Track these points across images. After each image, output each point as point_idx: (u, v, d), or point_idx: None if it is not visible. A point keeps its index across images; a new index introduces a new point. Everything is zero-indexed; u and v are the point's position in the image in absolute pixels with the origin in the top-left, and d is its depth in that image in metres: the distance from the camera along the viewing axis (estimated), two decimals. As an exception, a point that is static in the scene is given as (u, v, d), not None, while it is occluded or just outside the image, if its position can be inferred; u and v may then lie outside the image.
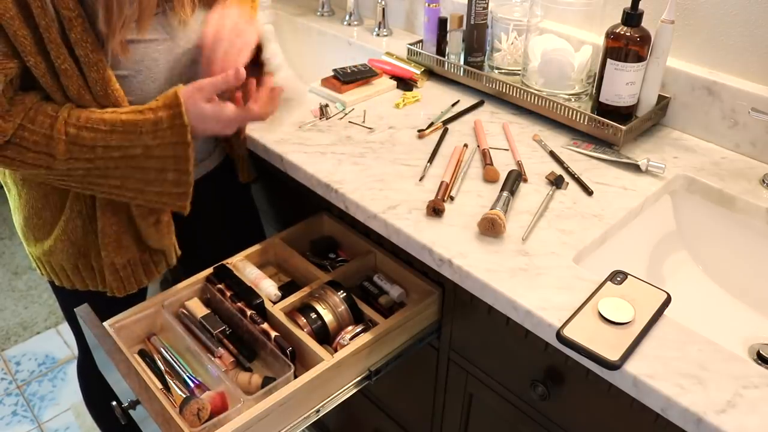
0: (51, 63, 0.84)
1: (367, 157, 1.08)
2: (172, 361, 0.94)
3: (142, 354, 0.95)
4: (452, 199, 0.98)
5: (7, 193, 1.06)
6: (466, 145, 1.11)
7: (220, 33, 0.93)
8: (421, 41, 1.38)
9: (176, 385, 0.90)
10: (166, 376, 0.91)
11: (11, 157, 0.86)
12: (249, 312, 0.95)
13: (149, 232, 1.00)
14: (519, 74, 1.24)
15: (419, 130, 1.15)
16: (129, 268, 1.03)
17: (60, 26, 0.82)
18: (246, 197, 1.28)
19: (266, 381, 0.88)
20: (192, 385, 0.90)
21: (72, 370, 1.96)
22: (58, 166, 0.87)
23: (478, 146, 1.11)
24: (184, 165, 0.91)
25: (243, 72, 0.88)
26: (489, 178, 1.02)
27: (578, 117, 1.13)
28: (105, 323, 0.94)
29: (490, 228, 0.89)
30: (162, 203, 0.94)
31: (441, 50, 1.33)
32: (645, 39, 1.04)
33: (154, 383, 0.87)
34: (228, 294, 0.99)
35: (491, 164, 1.03)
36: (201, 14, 0.98)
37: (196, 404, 0.81)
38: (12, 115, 0.84)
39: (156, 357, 0.95)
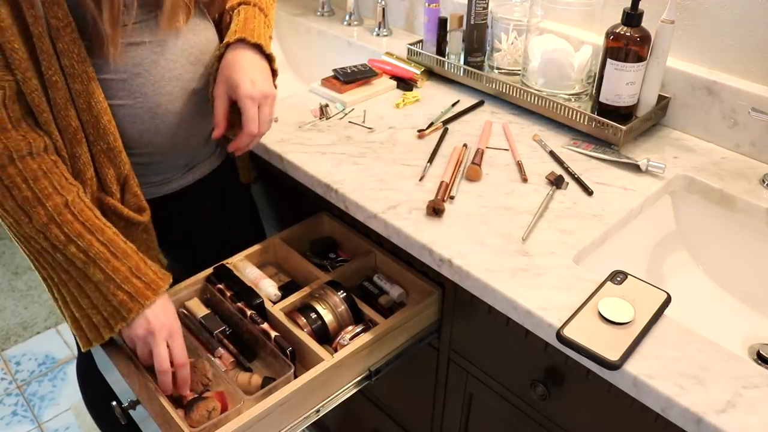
0: (41, 77, 0.83)
1: (367, 157, 1.08)
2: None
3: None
4: (452, 199, 0.98)
5: None
6: (465, 145, 1.11)
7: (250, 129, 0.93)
8: (421, 41, 1.38)
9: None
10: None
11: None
12: (249, 312, 0.95)
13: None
14: (519, 74, 1.24)
15: (419, 130, 1.14)
16: None
17: (49, 36, 0.81)
18: (246, 197, 1.28)
19: (266, 381, 0.88)
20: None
21: (72, 370, 1.96)
22: (26, 230, 0.84)
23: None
24: (113, 323, 0.87)
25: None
26: (470, 176, 1.02)
27: (578, 117, 1.13)
28: (105, 323, 0.94)
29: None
30: (84, 326, 0.91)
31: (441, 50, 1.33)
32: (645, 39, 1.04)
33: (154, 383, 0.87)
34: (228, 294, 0.99)
35: (478, 164, 1.03)
36: (199, 15, 0.98)
37: (210, 403, 0.82)
38: (10, 138, 0.81)
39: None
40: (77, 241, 0.84)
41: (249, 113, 0.93)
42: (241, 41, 0.96)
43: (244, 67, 0.94)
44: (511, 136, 1.14)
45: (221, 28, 1.04)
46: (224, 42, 0.97)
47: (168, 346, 0.86)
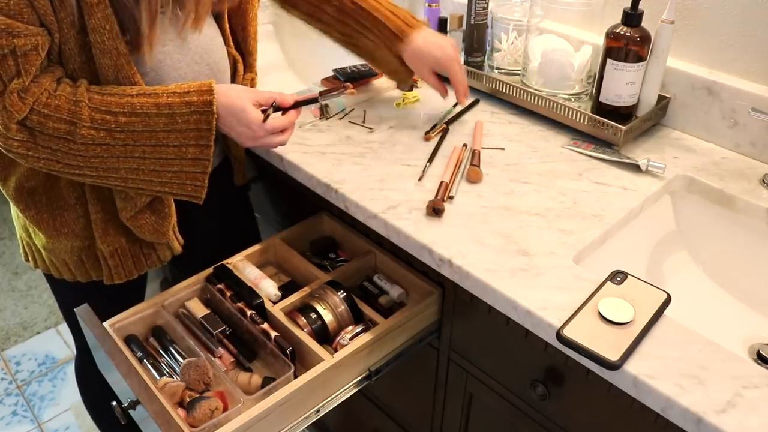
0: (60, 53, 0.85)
1: (367, 157, 1.08)
2: (173, 362, 0.94)
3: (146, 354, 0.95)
4: (452, 198, 0.98)
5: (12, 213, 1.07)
6: (465, 145, 1.11)
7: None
8: (421, 41, 1.38)
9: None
10: (174, 376, 0.92)
11: (31, 128, 0.84)
12: (249, 312, 0.95)
13: (134, 225, 0.98)
14: (519, 74, 1.24)
15: (426, 133, 1.14)
16: (117, 257, 1.03)
17: (79, 12, 0.82)
18: (242, 199, 1.28)
19: (266, 381, 0.88)
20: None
21: (72, 369, 1.96)
22: (79, 138, 0.85)
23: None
24: (207, 137, 0.90)
25: (292, 100, 0.96)
26: (471, 178, 1.02)
27: (578, 117, 1.13)
28: (105, 323, 0.94)
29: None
30: (178, 186, 0.93)
31: (441, 50, 1.33)
32: (645, 39, 1.04)
33: (155, 383, 0.87)
34: (228, 294, 0.99)
35: (477, 165, 1.03)
36: (209, 18, 0.99)
37: (213, 402, 0.82)
38: (31, 93, 0.83)
39: (160, 361, 0.95)
40: (119, 109, 0.86)
41: (454, 70, 1.11)
42: (409, 26, 1.11)
43: (425, 48, 1.11)
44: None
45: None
46: (403, 33, 1.10)
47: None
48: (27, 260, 1.10)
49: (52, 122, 0.84)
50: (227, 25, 1.05)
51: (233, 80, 1.08)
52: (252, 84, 1.10)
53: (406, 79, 1.19)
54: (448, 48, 1.11)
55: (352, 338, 0.92)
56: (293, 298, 0.99)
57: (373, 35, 1.12)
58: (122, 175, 0.90)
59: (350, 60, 1.41)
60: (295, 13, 1.20)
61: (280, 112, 0.95)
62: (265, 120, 0.92)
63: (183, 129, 0.89)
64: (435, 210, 0.93)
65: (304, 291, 1.00)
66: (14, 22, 0.79)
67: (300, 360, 0.91)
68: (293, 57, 1.69)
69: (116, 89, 0.87)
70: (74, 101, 0.84)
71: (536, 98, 1.17)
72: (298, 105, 0.98)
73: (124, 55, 0.86)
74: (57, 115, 0.84)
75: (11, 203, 1.00)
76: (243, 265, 1.04)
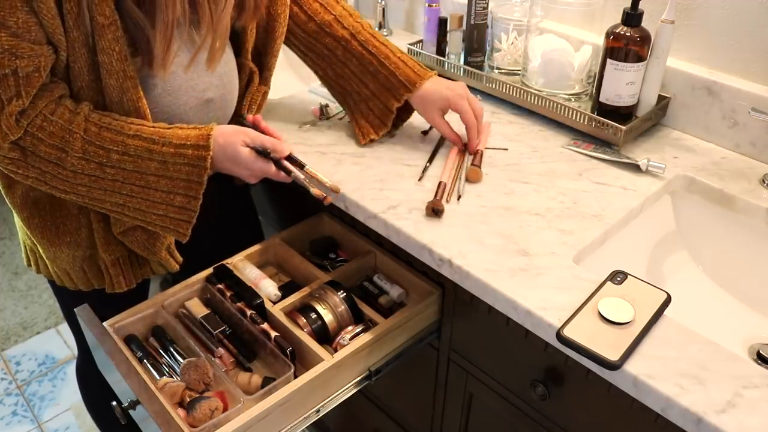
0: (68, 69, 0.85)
1: (367, 157, 1.08)
2: (173, 362, 0.94)
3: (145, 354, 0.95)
4: (459, 199, 0.98)
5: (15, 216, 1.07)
6: (465, 145, 1.11)
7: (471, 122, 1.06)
8: (421, 41, 1.38)
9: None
10: (174, 376, 0.91)
11: (23, 147, 0.84)
12: (249, 312, 0.95)
13: (125, 240, 0.98)
14: (519, 74, 1.24)
15: (423, 132, 1.14)
16: (118, 266, 1.03)
17: (91, 31, 0.82)
18: (245, 198, 1.28)
19: (266, 381, 0.88)
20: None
21: (72, 370, 1.96)
22: (69, 165, 0.86)
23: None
24: (196, 189, 0.90)
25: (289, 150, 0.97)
26: (471, 178, 1.02)
27: (578, 117, 1.13)
28: (105, 323, 0.94)
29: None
30: (161, 228, 0.94)
31: (441, 50, 1.33)
32: (645, 39, 1.04)
33: (155, 383, 0.87)
34: (228, 294, 0.99)
35: (478, 165, 1.03)
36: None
37: (213, 402, 0.82)
38: (26, 116, 0.83)
39: (160, 361, 0.95)
40: (113, 147, 0.86)
41: (464, 108, 1.05)
42: (419, 76, 1.06)
43: (434, 89, 1.06)
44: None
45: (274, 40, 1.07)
46: (404, 95, 1.06)
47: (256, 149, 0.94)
48: (30, 266, 1.10)
49: (45, 146, 0.85)
50: (250, 38, 1.05)
51: (246, 91, 1.08)
52: (264, 97, 1.10)
53: (383, 127, 1.10)
54: (459, 88, 1.06)
55: (352, 338, 0.92)
56: (293, 298, 0.99)
57: (375, 84, 1.08)
58: (107, 207, 0.91)
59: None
60: (290, 43, 1.15)
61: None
62: (262, 156, 0.94)
63: (174, 177, 0.89)
64: (434, 211, 0.93)
65: (304, 291, 1.00)
66: (20, 42, 0.79)
67: (300, 360, 0.91)
68: (293, 57, 1.69)
69: (115, 123, 0.87)
70: (69, 130, 0.85)
71: (536, 98, 1.17)
72: (291, 160, 0.98)
73: (131, 78, 0.86)
74: (49, 141, 0.85)
75: (15, 212, 1.00)
76: (243, 265, 1.04)
